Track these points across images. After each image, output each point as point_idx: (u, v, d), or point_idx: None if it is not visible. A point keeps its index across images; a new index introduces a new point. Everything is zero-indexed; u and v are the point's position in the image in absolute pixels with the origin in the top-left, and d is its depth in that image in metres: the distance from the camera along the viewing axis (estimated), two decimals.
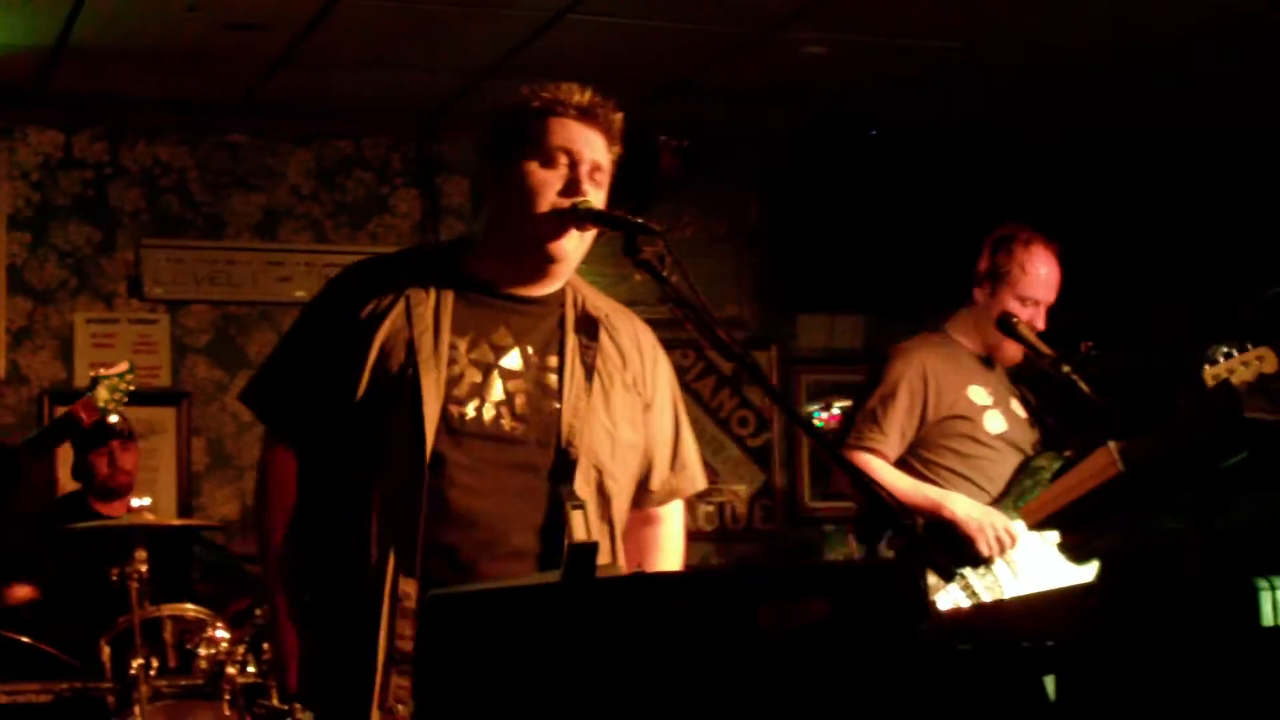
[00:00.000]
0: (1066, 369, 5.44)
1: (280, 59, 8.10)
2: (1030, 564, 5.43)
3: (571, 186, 3.70)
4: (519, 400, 3.71)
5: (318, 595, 3.75)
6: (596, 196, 3.74)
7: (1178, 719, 3.92)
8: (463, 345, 3.72)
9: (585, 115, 3.77)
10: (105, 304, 8.87)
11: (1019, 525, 5.38)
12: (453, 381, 3.68)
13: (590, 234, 3.76)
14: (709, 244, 9.66)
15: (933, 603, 5.20)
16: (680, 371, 9.09)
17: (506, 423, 3.68)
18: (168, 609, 6.48)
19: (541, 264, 3.76)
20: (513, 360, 3.75)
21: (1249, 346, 5.17)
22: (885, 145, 9.42)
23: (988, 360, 5.71)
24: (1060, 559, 5.36)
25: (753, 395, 9.63)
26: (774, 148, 9.61)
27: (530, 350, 3.77)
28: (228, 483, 8.96)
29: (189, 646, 6.39)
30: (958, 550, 5.38)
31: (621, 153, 3.84)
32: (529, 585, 2.80)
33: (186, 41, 7.80)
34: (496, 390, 3.70)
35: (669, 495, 4.06)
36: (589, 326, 3.85)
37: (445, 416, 3.65)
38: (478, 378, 3.70)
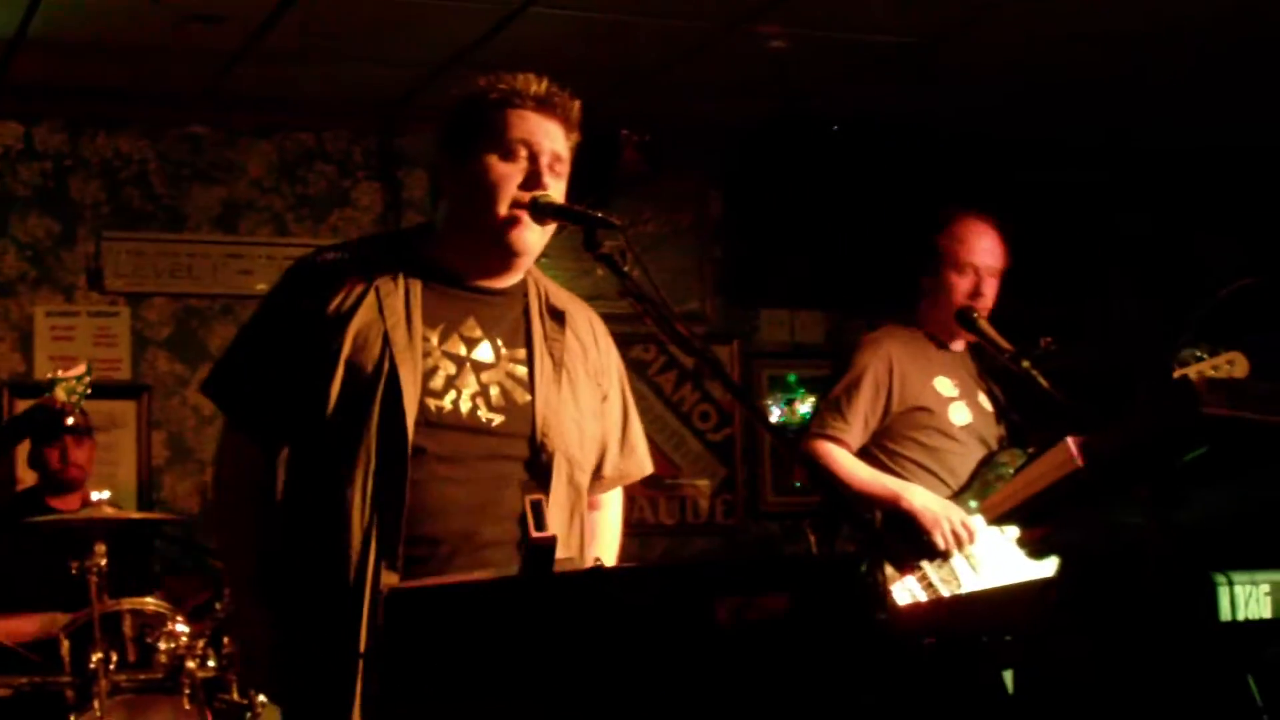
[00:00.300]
0: (1026, 364, 5.45)
1: (241, 51, 8.07)
2: (990, 559, 5.45)
3: (532, 179, 3.71)
4: (494, 392, 3.73)
5: (295, 588, 3.72)
6: (557, 187, 3.75)
7: (1135, 713, 3.94)
8: (434, 337, 3.73)
9: (543, 106, 3.77)
10: (65, 296, 8.82)
11: (978, 520, 5.40)
12: (428, 374, 3.69)
13: (551, 226, 3.76)
14: (671, 238, 9.67)
15: (889, 596, 5.21)
16: (641, 366, 9.21)
17: (483, 414, 3.70)
18: (127, 603, 6.47)
19: (504, 257, 3.77)
20: (484, 352, 3.76)
21: (1220, 350, 5.14)
22: (847, 141, 9.43)
23: (955, 351, 5.72)
24: (1020, 554, 5.37)
25: (714, 390, 9.63)
26: (736, 143, 9.62)
27: (499, 342, 3.79)
28: (188, 476, 8.93)
29: (149, 641, 6.38)
30: (914, 543, 5.39)
31: (580, 140, 3.85)
32: (488, 581, 2.80)
33: (147, 33, 7.77)
34: (471, 382, 3.72)
35: (618, 479, 4.09)
36: (554, 317, 3.88)
37: (423, 409, 3.65)
38: (452, 370, 3.71)
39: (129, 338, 8.90)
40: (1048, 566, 5.36)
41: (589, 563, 3.74)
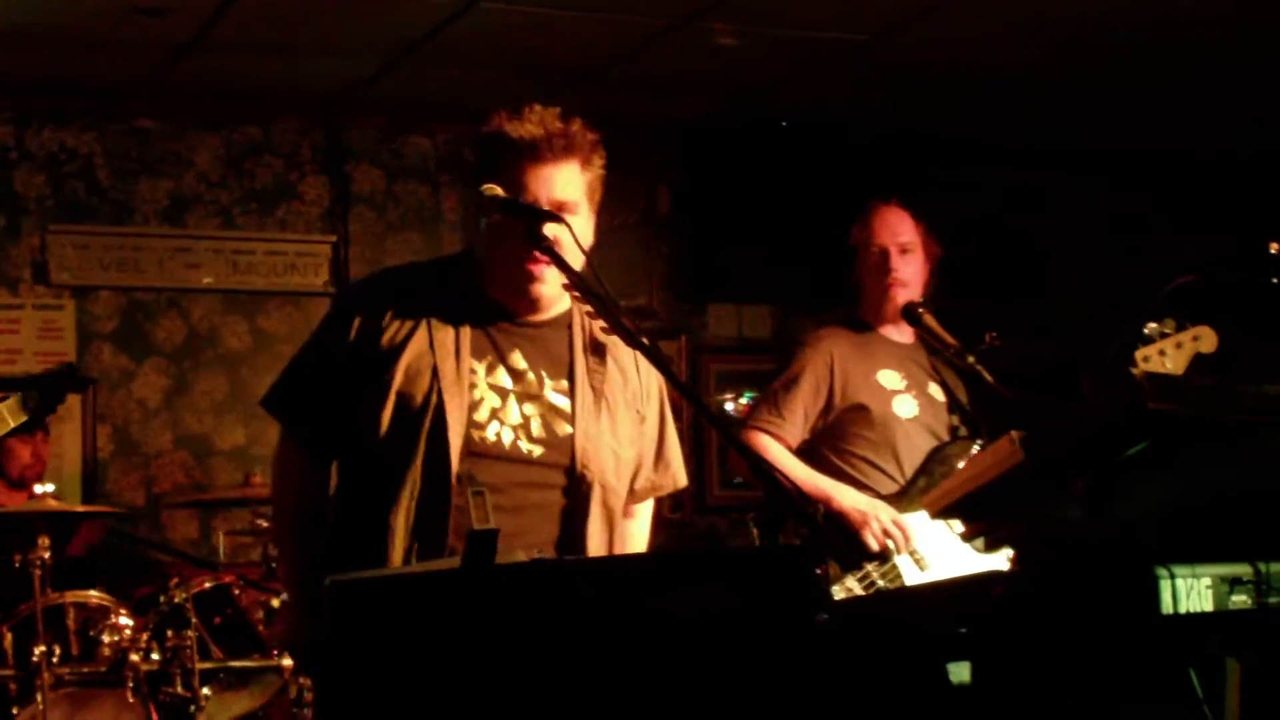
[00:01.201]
0: (970, 359, 5.45)
1: (188, 43, 8.04)
2: (935, 555, 5.45)
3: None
4: (534, 424, 3.85)
5: None
6: (578, 222, 3.81)
7: (1079, 704, 3.95)
8: (481, 369, 3.86)
9: (555, 153, 3.83)
10: (10, 290, 8.78)
11: (917, 516, 5.39)
12: (473, 406, 3.81)
13: (574, 248, 3.78)
14: (618, 233, 9.65)
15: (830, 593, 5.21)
16: None
17: (524, 445, 3.82)
18: (70, 596, 6.44)
19: (526, 300, 3.87)
20: (527, 384, 3.88)
21: (1187, 325, 5.06)
22: (795, 136, 9.45)
23: (904, 344, 5.72)
24: (965, 548, 5.38)
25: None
26: (684, 138, 9.63)
27: (543, 373, 3.90)
28: (133, 469, 8.89)
29: (92, 634, 6.35)
30: (848, 543, 5.38)
31: (603, 165, 3.94)
32: (429, 572, 2.81)
33: (94, 25, 7.73)
34: (514, 414, 3.84)
35: (650, 491, 4.23)
36: (597, 349, 3.98)
37: (467, 440, 3.77)
38: (496, 402, 3.83)
39: (74, 331, 8.85)
40: (993, 560, 5.38)
41: None
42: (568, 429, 3.87)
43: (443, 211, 9.48)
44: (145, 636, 6.30)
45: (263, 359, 9.07)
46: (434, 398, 3.78)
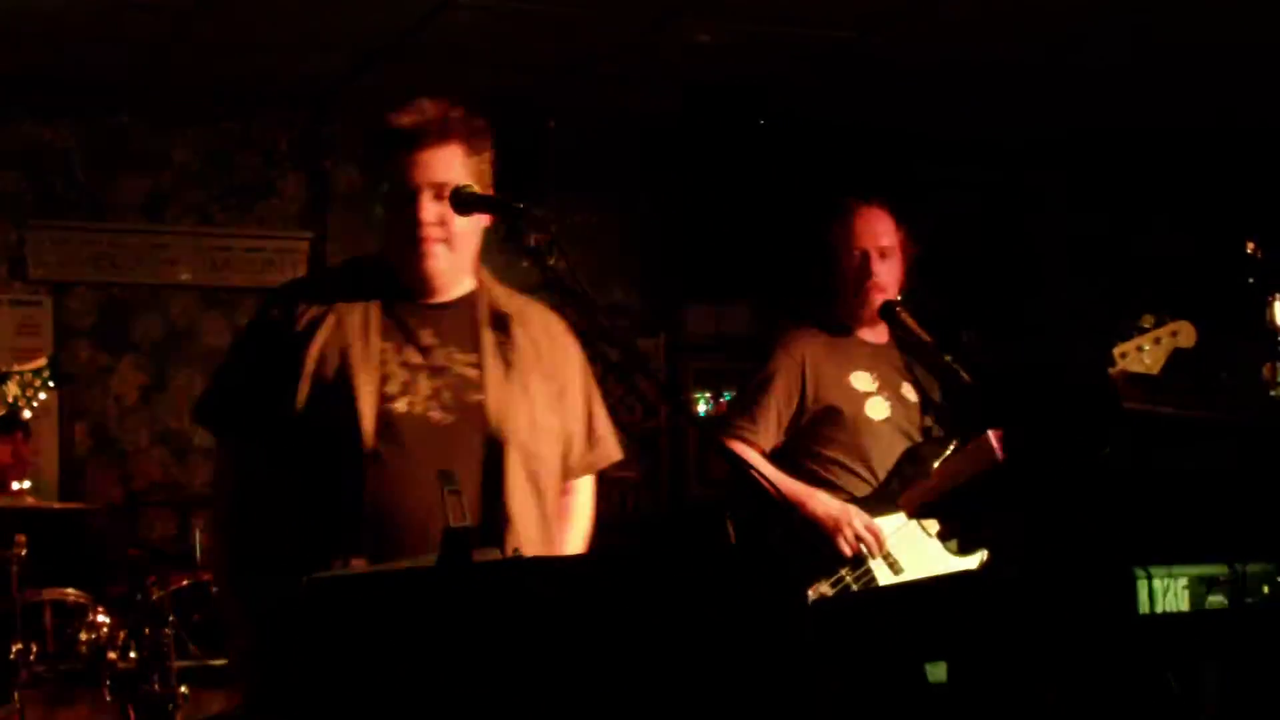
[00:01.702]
0: (948, 357, 5.45)
1: (168, 39, 8.02)
2: (908, 557, 5.44)
3: (425, 214, 3.92)
4: (445, 394, 3.93)
5: (260, 593, 3.93)
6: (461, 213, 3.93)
7: (1057, 704, 3.96)
8: (390, 349, 3.95)
9: (437, 137, 3.96)
10: None
11: (890, 519, 5.38)
12: (384, 381, 3.90)
13: (474, 231, 3.98)
14: (597, 231, 9.66)
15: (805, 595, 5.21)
16: None
17: (436, 415, 3.90)
18: (48, 594, 6.43)
19: (426, 283, 4.01)
20: (437, 359, 3.97)
21: (1166, 319, 5.05)
22: (774, 134, 9.46)
23: (877, 344, 5.72)
24: (940, 550, 5.38)
25: (640, 382, 9.64)
26: (663, 136, 9.63)
27: (452, 349, 3.99)
28: (111, 466, 8.88)
29: (69, 631, 6.35)
30: (823, 548, 5.37)
31: (492, 149, 4.04)
32: (405, 569, 2.81)
33: (73, 20, 7.72)
34: (425, 387, 3.93)
35: (586, 468, 4.28)
36: (500, 322, 4.06)
37: (380, 414, 3.86)
38: (406, 377, 3.93)
39: (52, 327, 8.84)
40: (970, 561, 5.38)
41: (560, 552, 4.00)
42: (479, 397, 3.95)
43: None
44: (122, 635, 6.30)
45: None
46: (345, 376, 3.88)
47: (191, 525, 8.54)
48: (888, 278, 5.59)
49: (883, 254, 5.59)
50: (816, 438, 5.55)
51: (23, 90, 8.71)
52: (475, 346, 4.02)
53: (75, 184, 8.91)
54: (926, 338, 5.52)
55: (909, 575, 5.39)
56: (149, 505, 8.62)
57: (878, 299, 5.57)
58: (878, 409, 5.56)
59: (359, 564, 3.68)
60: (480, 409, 3.94)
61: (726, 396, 9.65)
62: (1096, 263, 9.63)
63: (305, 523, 3.87)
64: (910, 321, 5.55)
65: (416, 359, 3.96)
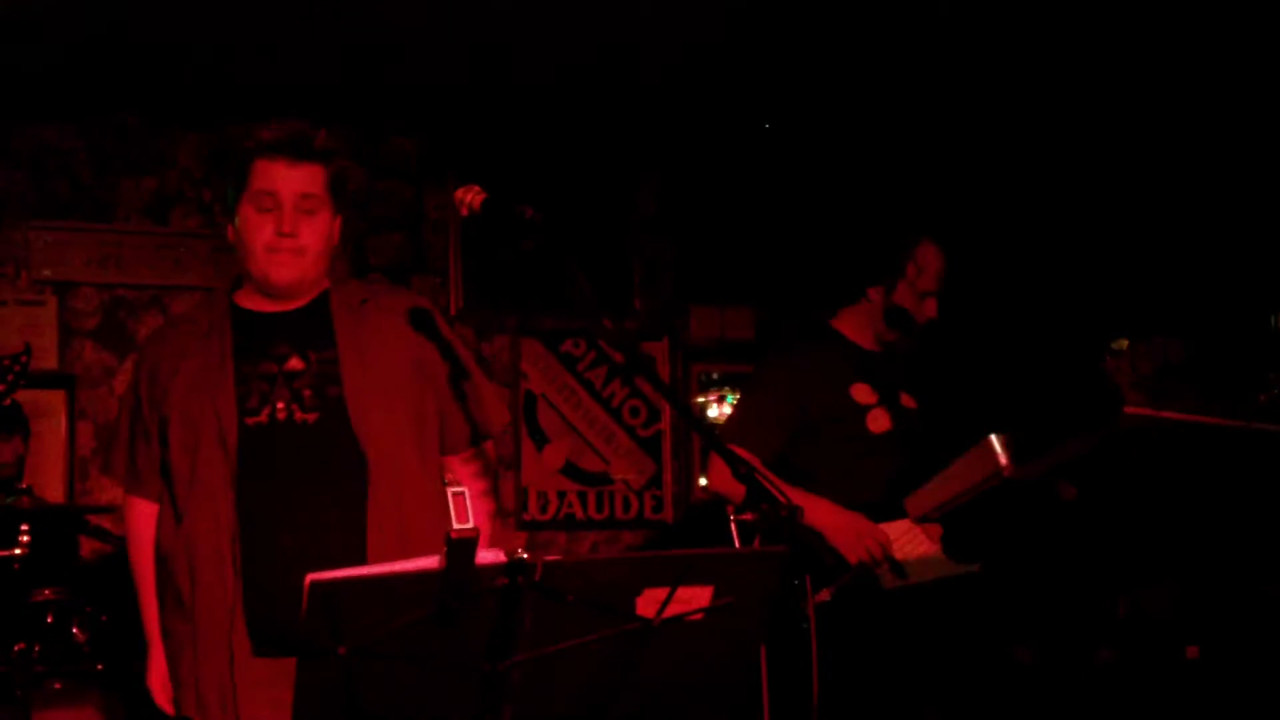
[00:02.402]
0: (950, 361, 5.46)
1: (172, 40, 8.01)
2: (913, 561, 5.44)
3: (280, 225, 4.14)
4: (306, 394, 4.09)
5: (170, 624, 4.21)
6: (312, 224, 4.17)
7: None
8: (247, 366, 4.14)
9: (287, 151, 4.19)
10: None
11: (895, 525, 5.38)
12: (244, 397, 4.08)
13: (320, 246, 4.19)
14: (602, 234, 9.66)
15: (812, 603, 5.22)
16: (571, 361, 9.22)
17: (299, 416, 4.07)
18: (50, 593, 6.43)
19: (277, 292, 4.21)
20: (294, 364, 4.14)
21: (1154, 338, 5.10)
22: (779, 138, 9.45)
23: (874, 353, 5.72)
24: (943, 554, 5.38)
25: (645, 385, 9.64)
26: (667, 139, 9.62)
27: (307, 350, 4.16)
28: None
29: (71, 631, 6.34)
30: (827, 555, 5.37)
31: (343, 164, 4.37)
32: (410, 573, 2.81)
33: (76, 20, 7.71)
34: (284, 393, 4.09)
35: (468, 439, 4.37)
36: (350, 315, 4.24)
37: (243, 430, 4.05)
38: (265, 387, 4.10)
39: (56, 327, 8.84)
40: (972, 566, 5.39)
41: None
42: (338, 389, 4.09)
43: (425, 211, 9.47)
44: (123, 634, 6.29)
45: None
46: (207, 403, 4.07)
47: None
48: (935, 313, 5.64)
49: (935, 296, 5.63)
50: (814, 450, 5.55)
51: (27, 91, 8.71)
52: (330, 343, 4.17)
53: (80, 185, 8.92)
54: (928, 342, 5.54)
55: (912, 579, 5.39)
56: None
57: (912, 329, 5.60)
58: (879, 421, 5.56)
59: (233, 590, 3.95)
60: (340, 401, 4.08)
61: (731, 400, 9.66)
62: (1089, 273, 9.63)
63: (189, 552, 4.05)
64: (921, 332, 5.57)
65: (273, 368, 4.12)
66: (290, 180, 4.14)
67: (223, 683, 3.97)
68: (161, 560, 4.19)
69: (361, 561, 3.83)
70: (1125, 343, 5.03)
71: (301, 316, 4.22)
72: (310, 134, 4.23)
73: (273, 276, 4.15)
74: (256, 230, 4.15)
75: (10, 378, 6.27)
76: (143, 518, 4.30)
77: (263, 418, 4.05)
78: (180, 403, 4.12)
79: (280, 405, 4.06)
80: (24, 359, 6.21)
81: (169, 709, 4.22)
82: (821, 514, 5.37)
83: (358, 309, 4.25)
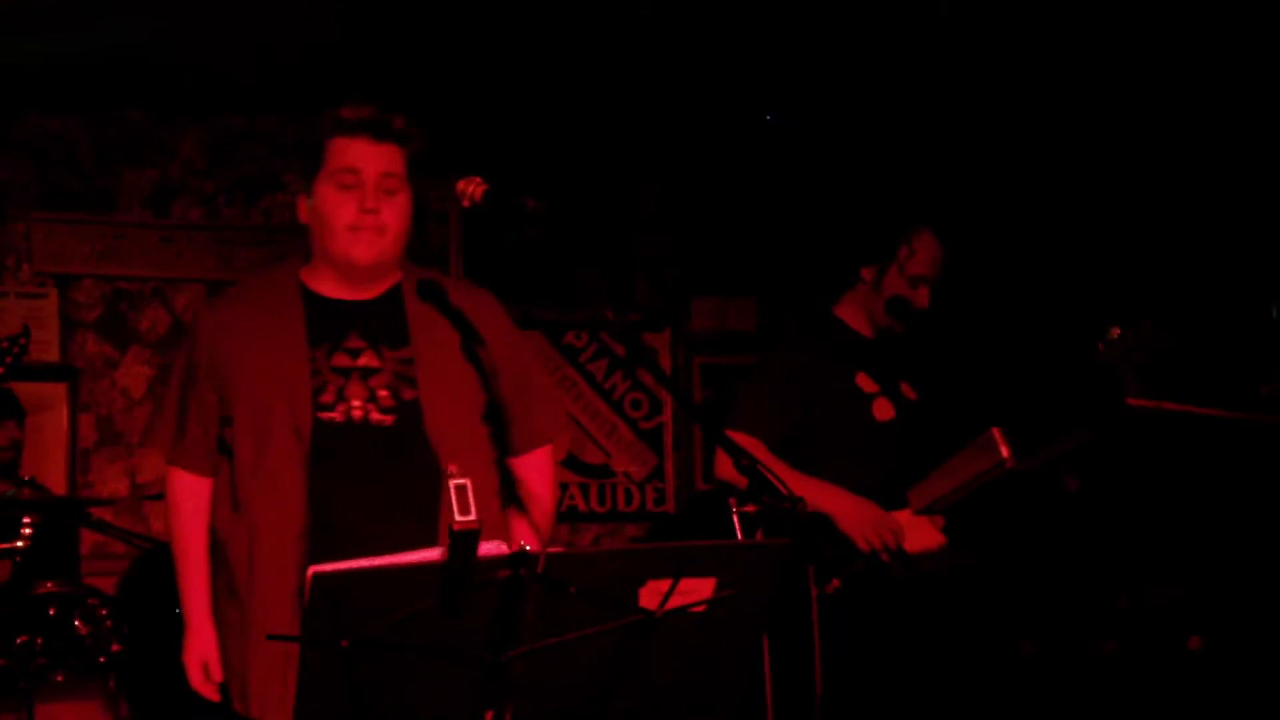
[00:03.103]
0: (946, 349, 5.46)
1: (174, 30, 8.01)
2: (918, 551, 5.44)
3: (363, 202, 4.05)
4: (382, 395, 4.02)
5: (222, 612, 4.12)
6: (393, 204, 4.09)
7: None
8: (321, 356, 4.05)
9: (370, 130, 4.10)
10: None
11: (902, 515, 5.38)
12: (318, 390, 4.00)
13: (397, 233, 4.10)
14: (603, 226, 9.65)
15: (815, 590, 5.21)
16: (573, 352, 9.21)
17: (374, 417, 4.00)
18: (52, 585, 6.43)
19: (356, 274, 4.12)
20: (369, 360, 4.06)
21: (1146, 327, 5.09)
22: (782, 129, 9.45)
23: (875, 341, 5.72)
24: (947, 544, 5.38)
25: (646, 377, 9.63)
26: (670, 130, 9.62)
27: (382, 346, 4.08)
28: (117, 459, 8.88)
29: (73, 623, 6.34)
30: (837, 545, 5.37)
31: (421, 147, 4.19)
32: (412, 565, 2.81)
33: (80, 11, 7.70)
34: (359, 391, 4.02)
35: (531, 440, 4.31)
36: (423, 310, 4.13)
37: (316, 424, 3.97)
38: (340, 382, 4.02)
39: (58, 319, 8.84)
40: (974, 555, 5.39)
41: (506, 534, 4.06)
42: (415, 392, 4.03)
43: (427, 202, 9.44)
44: (127, 627, 6.30)
45: None
46: (279, 390, 3.99)
47: None
48: (927, 303, 5.63)
49: (932, 285, 5.62)
50: (820, 439, 5.54)
51: (29, 82, 8.70)
52: (405, 341, 4.10)
53: (81, 176, 8.91)
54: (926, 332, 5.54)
55: (919, 568, 5.40)
56: (154, 498, 8.63)
57: (910, 319, 5.60)
58: (883, 409, 5.56)
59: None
60: (416, 405, 4.02)
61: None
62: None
63: (252, 540, 3.98)
64: (917, 319, 5.57)
65: (348, 362, 4.04)
66: (373, 158, 4.08)
67: (274, 675, 3.90)
68: (217, 543, 4.13)
69: None
70: (1116, 331, 5.01)
71: (375, 308, 4.15)
72: (391, 114, 4.14)
73: (355, 255, 4.07)
74: (337, 208, 4.07)
75: (9, 360, 6.25)
76: (187, 491, 4.22)
77: (338, 415, 3.99)
78: (249, 385, 4.05)
79: (356, 404, 4.00)
80: (23, 340, 6.20)
81: (205, 690, 4.12)
82: (833, 500, 5.37)
83: (432, 308, 4.15)
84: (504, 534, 4.05)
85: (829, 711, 4.53)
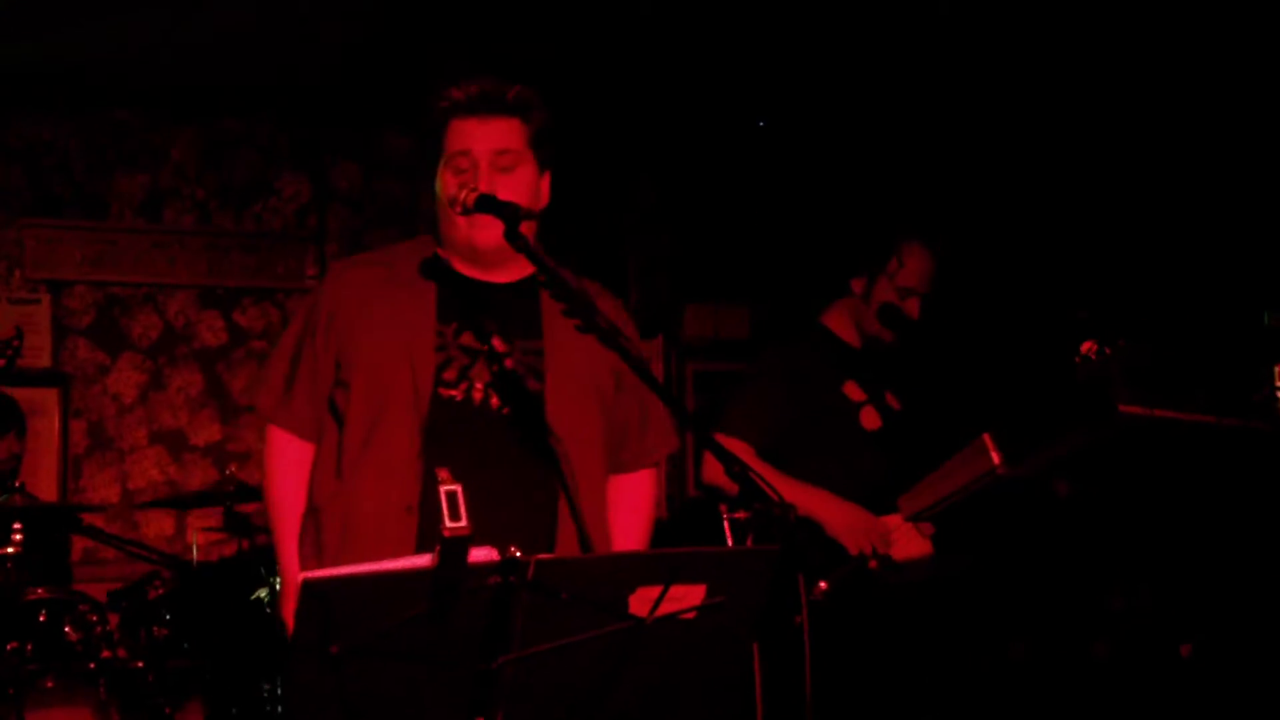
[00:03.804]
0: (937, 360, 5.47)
1: (167, 35, 8.00)
2: (908, 556, 5.45)
3: (475, 184, 3.88)
4: (505, 381, 3.90)
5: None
6: (511, 181, 3.92)
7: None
8: (449, 333, 3.94)
9: (479, 108, 3.94)
10: None
11: (891, 520, 5.39)
12: (441, 366, 3.90)
13: (524, 196, 3.91)
14: (596, 231, 9.66)
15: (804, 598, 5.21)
16: None
17: (495, 402, 3.89)
18: (43, 592, 6.42)
19: (481, 258, 3.98)
20: (499, 345, 3.92)
21: (1120, 341, 5.11)
22: (775, 137, 9.46)
23: (862, 351, 5.73)
24: (935, 550, 5.39)
25: None
26: (664, 138, 9.62)
27: (513, 335, 3.95)
28: (108, 465, 8.87)
29: (64, 630, 6.33)
30: (827, 550, 5.37)
31: (544, 115, 4.02)
32: (402, 571, 2.81)
33: (72, 15, 7.70)
34: (484, 373, 3.91)
35: (640, 458, 4.25)
36: (559, 308, 3.97)
37: (436, 400, 3.86)
38: (466, 361, 3.91)
39: (50, 325, 8.84)
40: (963, 561, 5.39)
41: (610, 544, 4.01)
42: (539, 385, 3.93)
43: (420, 208, 9.47)
44: (118, 634, 6.29)
45: (238, 355, 9.06)
46: (403, 361, 3.89)
47: (187, 525, 8.55)
48: (917, 314, 5.63)
49: (921, 295, 5.63)
50: (807, 446, 5.55)
51: (21, 87, 8.70)
52: (536, 332, 3.99)
53: (74, 182, 8.91)
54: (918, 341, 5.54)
55: (908, 574, 5.40)
56: (145, 505, 8.63)
57: (900, 328, 5.60)
58: (871, 418, 5.57)
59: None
60: (539, 398, 3.92)
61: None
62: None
63: (361, 507, 3.87)
64: (907, 329, 5.57)
65: (476, 343, 3.92)
66: (483, 137, 3.93)
67: None
68: (313, 508, 4.02)
69: None
70: (1087, 345, 5.01)
71: (512, 294, 4.02)
72: (503, 87, 3.97)
73: (476, 240, 3.93)
74: (454, 190, 3.91)
75: (2, 363, 6.26)
76: (286, 452, 4.11)
77: (458, 393, 3.88)
78: (370, 354, 3.93)
79: (479, 385, 3.89)
80: (15, 343, 6.21)
81: None
82: (822, 506, 5.38)
83: (568, 306, 3.96)
84: (607, 546, 4.00)
85: (820, 716, 4.52)
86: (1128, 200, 8.80)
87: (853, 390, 5.61)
